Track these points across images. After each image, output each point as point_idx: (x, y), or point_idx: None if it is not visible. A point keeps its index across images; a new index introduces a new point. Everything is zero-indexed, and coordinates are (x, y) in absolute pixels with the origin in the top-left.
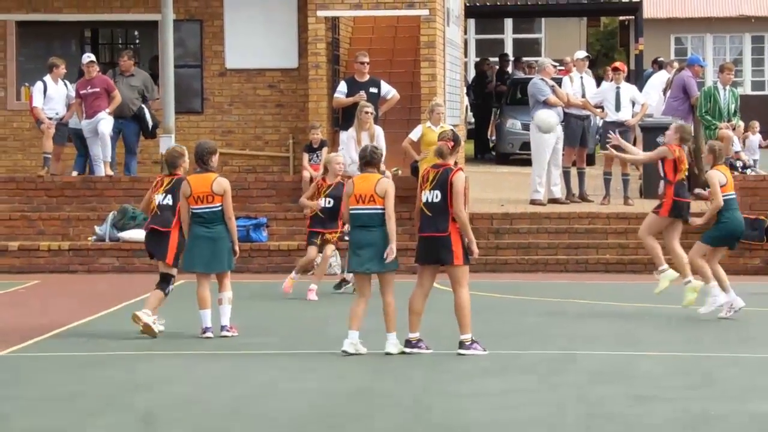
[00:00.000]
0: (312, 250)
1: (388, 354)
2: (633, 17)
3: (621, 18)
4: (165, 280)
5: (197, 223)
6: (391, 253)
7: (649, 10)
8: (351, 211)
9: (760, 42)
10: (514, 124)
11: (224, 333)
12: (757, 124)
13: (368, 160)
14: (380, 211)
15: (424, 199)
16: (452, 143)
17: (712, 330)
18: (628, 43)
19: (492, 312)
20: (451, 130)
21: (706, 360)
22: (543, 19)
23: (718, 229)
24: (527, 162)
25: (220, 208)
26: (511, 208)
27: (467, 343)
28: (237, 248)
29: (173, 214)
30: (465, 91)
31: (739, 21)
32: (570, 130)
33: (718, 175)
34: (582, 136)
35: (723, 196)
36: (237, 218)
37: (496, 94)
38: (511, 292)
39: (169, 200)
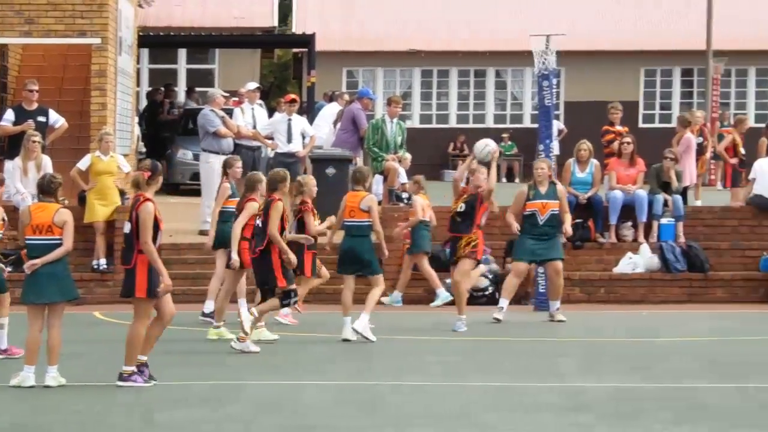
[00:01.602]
0: None
1: (47, 387)
2: (306, 50)
3: (295, 50)
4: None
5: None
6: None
7: (322, 44)
8: (28, 242)
9: (429, 76)
10: (185, 154)
11: None
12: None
13: (45, 189)
14: (60, 242)
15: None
16: (149, 173)
17: (376, 358)
18: (302, 76)
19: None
20: (151, 160)
21: (371, 388)
22: (217, 50)
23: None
24: (197, 192)
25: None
26: (180, 238)
27: (126, 375)
28: None
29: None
30: (137, 120)
31: (409, 55)
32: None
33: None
34: (252, 166)
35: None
36: None
37: (168, 124)
38: (178, 323)
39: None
